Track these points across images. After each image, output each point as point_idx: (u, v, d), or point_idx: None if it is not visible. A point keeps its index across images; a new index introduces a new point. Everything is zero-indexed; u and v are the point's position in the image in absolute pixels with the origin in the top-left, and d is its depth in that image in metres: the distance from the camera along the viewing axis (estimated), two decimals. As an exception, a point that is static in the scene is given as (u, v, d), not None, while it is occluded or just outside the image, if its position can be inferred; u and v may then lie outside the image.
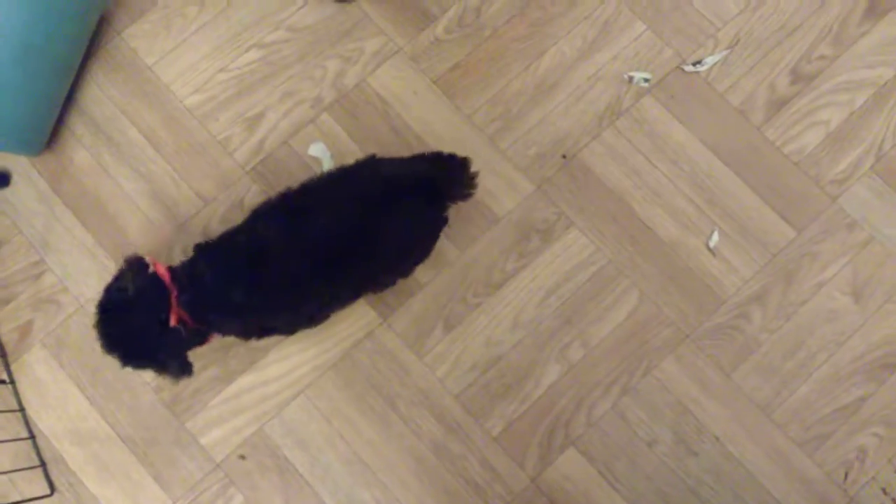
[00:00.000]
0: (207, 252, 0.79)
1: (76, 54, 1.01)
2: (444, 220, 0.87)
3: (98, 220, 1.02)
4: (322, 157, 1.01)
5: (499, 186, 1.00)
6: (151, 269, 0.77)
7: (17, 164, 1.03)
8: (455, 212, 0.99)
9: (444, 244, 0.99)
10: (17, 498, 0.96)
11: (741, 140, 0.99)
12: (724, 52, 1.01)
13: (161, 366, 0.77)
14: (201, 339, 0.81)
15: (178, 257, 0.99)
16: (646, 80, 1.01)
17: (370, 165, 0.83)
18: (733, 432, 0.93)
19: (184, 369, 0.78)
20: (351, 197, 0.79)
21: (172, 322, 0.74)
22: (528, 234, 0.99)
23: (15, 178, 1.04)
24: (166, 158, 1.03)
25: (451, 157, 0.86)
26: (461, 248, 0.99)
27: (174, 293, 0.75)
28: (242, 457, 0.95)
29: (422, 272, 0.98)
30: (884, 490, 0.91)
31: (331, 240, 0.77)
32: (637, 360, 0.95)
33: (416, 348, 0.97)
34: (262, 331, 0.85)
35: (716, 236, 0.97)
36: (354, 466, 0.94)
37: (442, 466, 0.94)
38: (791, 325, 0.95)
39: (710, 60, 1.01)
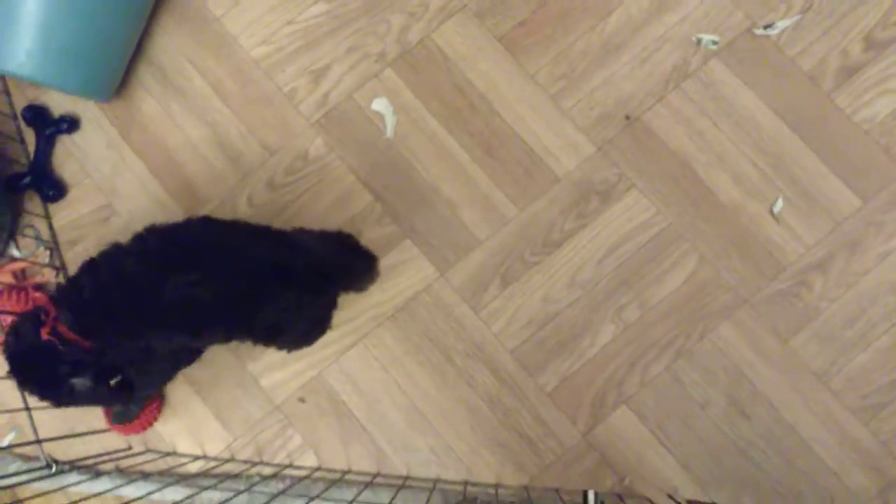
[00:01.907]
0: (89, 269, 0.75)
1: (147, 2, 1.03)
2: (331, 305, 0.86)
3: (165, 168, 1.04)
4: (385, 112, 1.02)
5: (560, 146, 1.00)
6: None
7: (87, 110, 1.06)
8: (515, 170, 1.00)
9: (503, 202, 1.00)
10: (85, 430, 1.00)
11: (810, 106, 0.98)
12: (797, 17, 1.00)
13: (68, 389, 0.74)
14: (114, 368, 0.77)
15: (244, 207, 1.02)
16: (714, 43, 1.00)
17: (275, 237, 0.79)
18: (788, 398, 0.93)
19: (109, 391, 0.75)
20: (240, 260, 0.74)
21: (43, 336, 0.71)
22: (588, 194, 0.99)
23: (84, 124, 1.06)
24: (232, 109, 1.04)
25: (363, 252, 0.88)
26: (520, 206, 1.00)
27: (52, 315, 0.73)
28: (302, 399, 0.98)
29: (480, 229, 1.00)
30: (939, 461, 0.91)
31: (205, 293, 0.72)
32: (693, 323, 0.95)
33: (472, 303, 0.98)
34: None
35: (780, 202, 0.96)
36: (410, 414, 0.96)
37: (495, 419, 0.96)
38: (852, 294, 0.94)
39: (781, 24, 0.99)
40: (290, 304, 0.75)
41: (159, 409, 0.98)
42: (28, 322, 0.73)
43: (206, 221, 0.77)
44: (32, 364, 0.73)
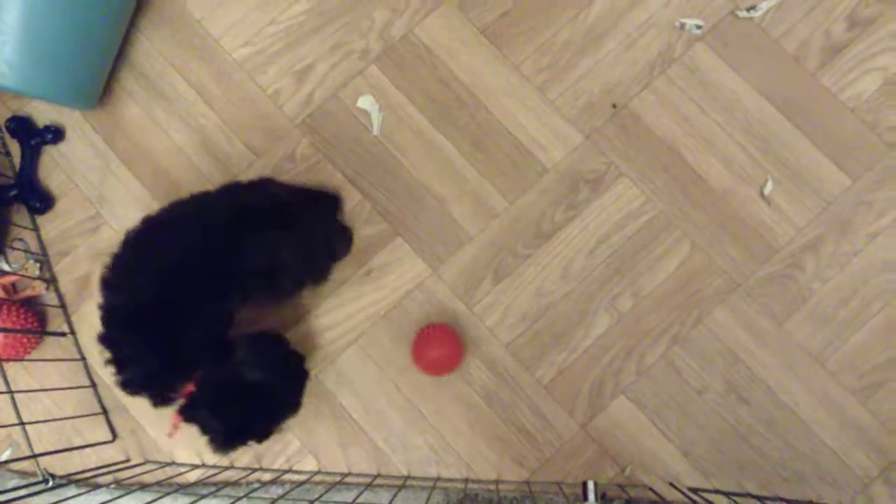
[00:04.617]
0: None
1: (127, 8, 1.02)
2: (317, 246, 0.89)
3: (152, 174, 1.04)
4: (370, 109, 1.02)
5: (547, 137, 1.00)
6: None
7: (71, 119, 1.05)
8: (503, 163, 1.00)
9: (493, 196, 0.99)
10: (81, 443, 0.99)
11: (796, 87, 0.97)
12: (780, -2, 0.99)
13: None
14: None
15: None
16: (698, 27, 0.99)
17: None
18: (785, 381, 0.93)
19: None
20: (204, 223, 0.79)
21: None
22: (578, 184, 0.99)
23: (69, 134, 1.05)
24: (217, 112, 1.04)
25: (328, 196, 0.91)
26: (510, 199, 0.99)
27: None
28: (298, 403, 0.97)
29: (470, 224, 0.99)
30: (939, 437, 0.91)
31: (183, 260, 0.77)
32: (688, 309, 0.95)
33: (465, 299, 0.98)
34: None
35: (770, 185, 0.96)
36: (407, 413, 0.96)
37: (493, 413, 0.95)
38: (845, 274, 0.94)
39: (764, 6, 0.99)
40: (268, 244, 0.79)
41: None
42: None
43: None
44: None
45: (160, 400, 0.80)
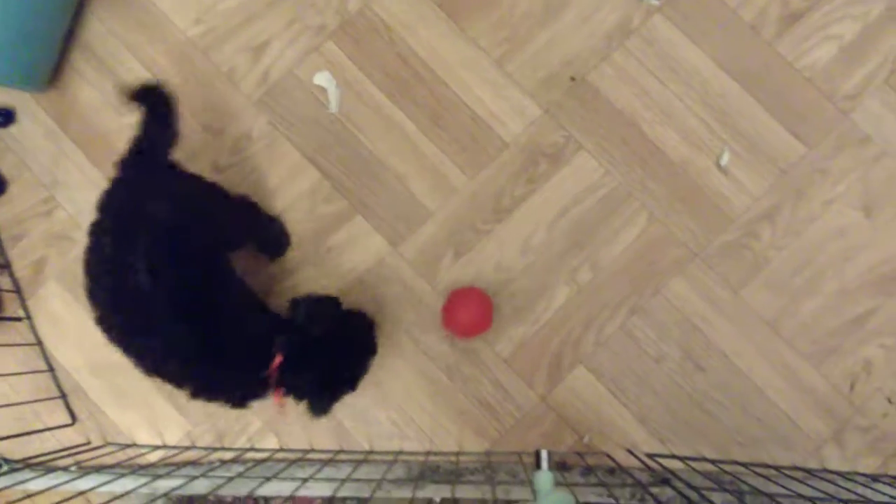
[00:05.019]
0: None
1: (74, -14, 0.99)
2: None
3: (106, 156, 1.02)
4: (328, 86, 1.00)
5: (506, 111, 0.99)
6: None
7: (22, 101, 1.03)
8: (462, 138, 0.99)
9: (452, 171, 0.99)
10: (41, 427, 0.99)
11: (753, 57, 0.97)
12: (736, -33, 0.99)
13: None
14: None
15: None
16: (655, -2, 0.99)
17: None
18: (741, 348, 0.94)
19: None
20: None
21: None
22: (537, 158, 0.98)
23: (20, 116, 1.03)
24: (171, 92, 1.02)
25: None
26: (469, 175, 0.99)
27: None
28: (260, 382, 0.97)
29: (430, 200, 0.99)
30: (889, 399, 0.93)
31: None
32: (646, 280, 0.96)
33: (426, 276, 0.97)
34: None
35: (727, 155, 0.96)
36: (369, 389, 0.96)
37: (455, 388, 0.96)
38: (800, 241, 0.95)
39: (721, -25, 0.98)
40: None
41: None
42: None
43: None
44: None
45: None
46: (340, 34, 1.01)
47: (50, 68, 1.01)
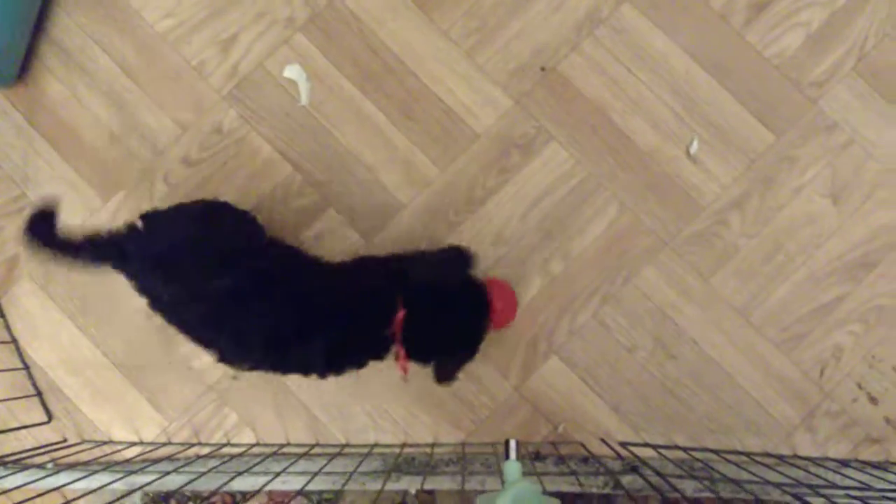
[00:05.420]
0: None
1: (40, -20, 0.98)
2: None
3: (76, 152, 1.01)
4: (298, 79, 1.00)
5: (477, 103, 0.99)
6: None
7: (-11, 98, 1.02)
8: (434, 130, 0.99)
9: (424, 163, 0.99)
10: (16, 425, 0.98)
11: (721, 45, 0.97)
12: (705, -45, 0.99)
13: None
14: None
15: (161, 186, 1.00)
16: (624, -12, 0.99)
17: None
18: (712, 335, 0.95)
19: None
20: None
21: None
22: (508, 149, 0.98)
23: (-11, 113, 1.02)
24: (141, 86, 1.01)
25: None
26: (441, 166, 0.99)
27: None
28: (235, 377, 0.97)
29: (402, 192, 0.99)
30: (859, 385, 0.94)
31: None
32: (617, 269, 0.96)
33: (400, 267, 0.98)
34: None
35: (696, 144, 0.96)
36: (344, 382, 0.96)
37: (429, 380, 0.96)
38: (769, 229, 0.96)
39: (690, -36, 0.98)
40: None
41: None
42: None
43: None
44: None
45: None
46: (310, 27, 1.01)
47: (17, 63, 1.00)
